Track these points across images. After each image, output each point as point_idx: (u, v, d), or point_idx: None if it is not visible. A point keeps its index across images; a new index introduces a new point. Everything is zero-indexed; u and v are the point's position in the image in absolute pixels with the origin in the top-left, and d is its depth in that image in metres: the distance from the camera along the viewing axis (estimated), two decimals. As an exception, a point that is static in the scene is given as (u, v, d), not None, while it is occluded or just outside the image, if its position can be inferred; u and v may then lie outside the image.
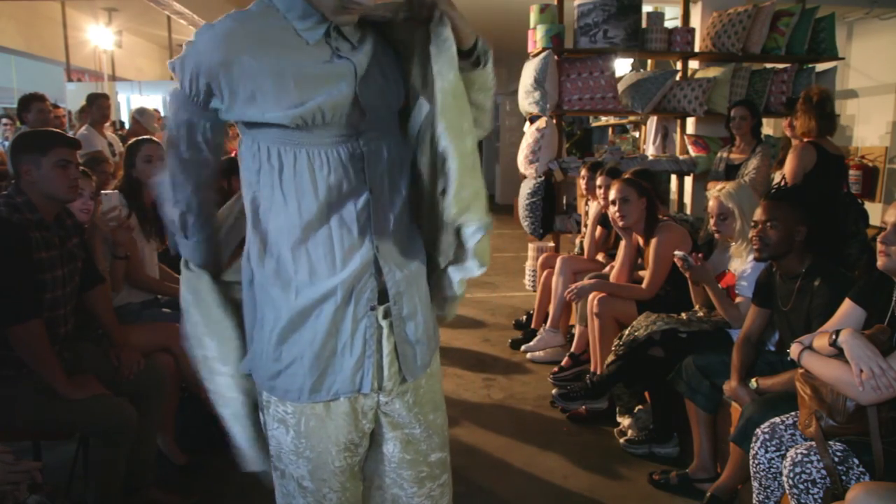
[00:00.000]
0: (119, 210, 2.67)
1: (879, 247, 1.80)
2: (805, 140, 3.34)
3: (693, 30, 4.70)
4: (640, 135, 6.17)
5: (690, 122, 4.91)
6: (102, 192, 2.71)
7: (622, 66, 6.25)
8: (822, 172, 3.26)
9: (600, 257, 3.95)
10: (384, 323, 1.21)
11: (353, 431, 1.25)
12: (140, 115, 6.12)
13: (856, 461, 1.70)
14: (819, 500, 1.69)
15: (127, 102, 11.42)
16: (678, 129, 4.90)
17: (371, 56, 1.16)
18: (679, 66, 4.85)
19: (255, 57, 1.08)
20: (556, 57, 4.40)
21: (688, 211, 4.80)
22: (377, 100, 1.17)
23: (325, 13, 1.11)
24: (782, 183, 3.41)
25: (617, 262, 3.32)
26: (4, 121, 6.84)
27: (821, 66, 4.86)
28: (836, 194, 3.37)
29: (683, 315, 2.76)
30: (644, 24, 4.52)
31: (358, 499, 1.34)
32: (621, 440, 2.87)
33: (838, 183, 3.42)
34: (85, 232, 2.41)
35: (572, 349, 3.56)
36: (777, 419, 1.95)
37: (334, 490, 1.27)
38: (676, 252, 2.70)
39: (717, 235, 2.82)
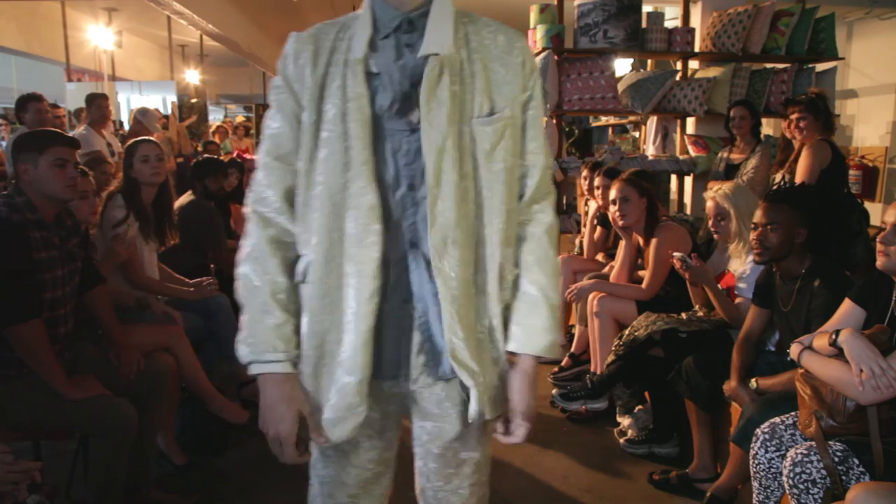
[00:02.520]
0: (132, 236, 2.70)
1: (879, 247, 1.80)
2: (818, 138, 3.33)
3: (693, 30, 4.70)
4: (640, 135, 6.17)
5: (690, 122, 4.91)
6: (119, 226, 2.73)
7: (622, 66, 6.25)
8: (835, 170, 3.26)
9: (600, 257, 3.95)
10: (414, 315, 1.20)
11: (375, 409, 1.24)
12: (142, 116, 6.10)
13: (856, 461, 1.70)
14: (819, 500, 1.69)
15: (127, 102, 11.42)
16: (678, 129, 4.90)
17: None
18: (679, 66, 4.85)
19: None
20: (555, 57, 4.40)
21: (688, 211, 4.80)
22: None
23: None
24: (783, 183, 3.41)
25: (617, 262, 3.32)
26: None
27: (821, 66, 4.86)
28: (839, 193, 3.36)
29: (683, 315, 2.76)
30: (644, 24, 4.51)
31: (381, 483, 1.32)
32: (621, 440, 2.87)
33: (844, 182, 3.43)
34: (88, 233, 2.42)
35: (572, 349, 3.55)
36: (777, 419, 1.95)
37: (354, 466, 1.28)
38: (675, 253, 2.70)
39: (716, 236, 2.82)
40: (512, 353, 1.23)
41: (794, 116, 3.43)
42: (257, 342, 1.15)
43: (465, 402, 1.22)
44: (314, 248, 1.15)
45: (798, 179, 3.26)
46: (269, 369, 1.16)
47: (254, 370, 1.16)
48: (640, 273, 3.24)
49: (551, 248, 1.24)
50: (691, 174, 4.76)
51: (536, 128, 1.23)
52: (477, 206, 1.17)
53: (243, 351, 1.16)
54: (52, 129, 2.50)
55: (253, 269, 1.17)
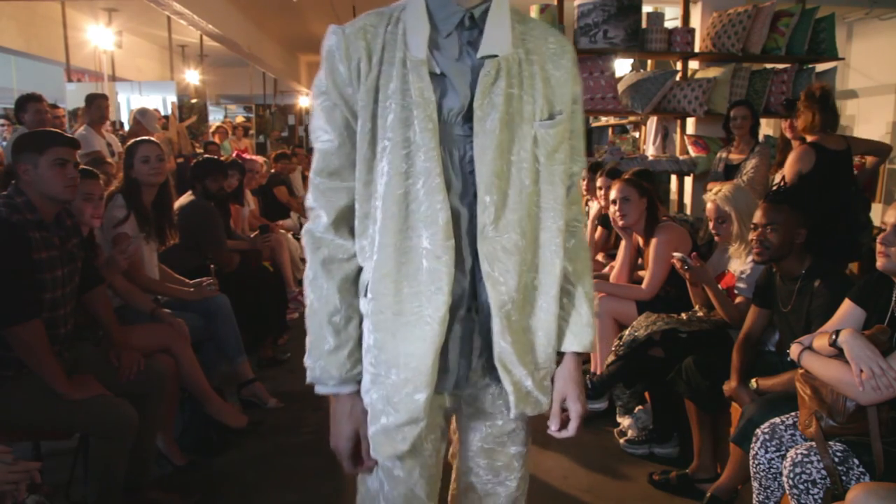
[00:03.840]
0: (132, 242, 2.69)
1: (879, 247, 1.80)
2: (807, 141, 3.32)
3: (693, 30, 4.70)
4: (640, 135, 6.16)
5: (690, 122, 4.90)
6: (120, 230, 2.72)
7: (622, 66, 6.25)
8: (822, 174, 3.24)
9: (600, 257, 3.95)
10: (476, 321, 1.17)
11: (432, 414, 1.21)
12: (142, 116, 6.11)
13: (856, 461, 1.70)
14: (819, 501, 1.69)
15: (127, 103, 11.42)
16: (678, 130, 4.90)
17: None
18: (679, 66, 4.85)
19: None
20: (555, 57, 4.39)
21: (688, 211, 4.80)
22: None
23: None
24: (782, 183, 3.41)
25: (617, 263, 3.32)
26: (1, 121, 6.80)
27: (821, 67, 4.86)
28: (840, 191, 3.33)
29: (683, 315, 2.76)
30: (644, 25, 4.51)
31: (433, 483, 1.28)
32: (621, 440, 2.87)
33: (846, 179, 3.39)
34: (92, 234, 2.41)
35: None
36: (777, 419, 1.95)
37: (420, 465, 1.25)
38: (675, 253, 2.70)
39: (717, 238, 2.83)
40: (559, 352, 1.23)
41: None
42: (315, 366, 1.16)
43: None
44: (378, 263, 1.09)
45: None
46: (327, 391, 1.17)
47: (317, 390, 1.18)
48: (641, 273, 3.24)
49: (586, 243, 1.25)
50: (691, 174, 4.76)
51: (579, 130, 1.20)
52: (538, 209, 1.14)
53: (308, 372, 1.17)
54: (52, 129, 2.50)
55: (311, 292, 1.15)
